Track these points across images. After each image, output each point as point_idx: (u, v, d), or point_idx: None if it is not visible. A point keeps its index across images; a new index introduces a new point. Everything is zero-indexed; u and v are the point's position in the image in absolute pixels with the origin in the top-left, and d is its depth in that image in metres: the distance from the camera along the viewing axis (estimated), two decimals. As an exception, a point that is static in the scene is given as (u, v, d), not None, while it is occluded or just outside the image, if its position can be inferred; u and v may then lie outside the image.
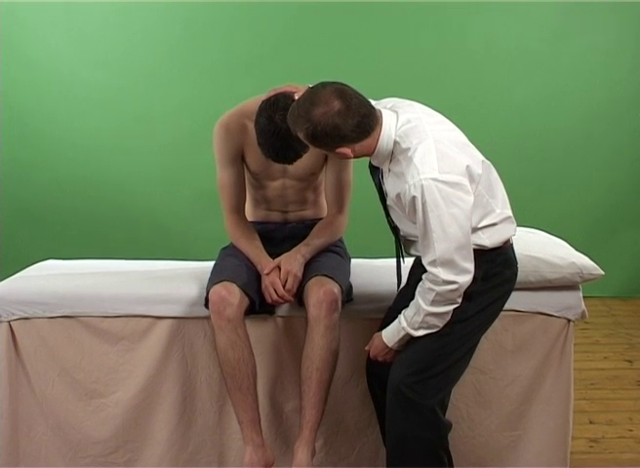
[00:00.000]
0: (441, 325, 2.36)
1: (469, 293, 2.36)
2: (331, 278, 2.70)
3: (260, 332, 2.83)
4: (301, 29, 5.39)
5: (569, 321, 2.83)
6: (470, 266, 2.30)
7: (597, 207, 5.61)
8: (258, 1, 5.28)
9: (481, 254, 2.37)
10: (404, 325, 2.40)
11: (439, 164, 2.24)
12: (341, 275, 2.78)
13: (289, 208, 2.98)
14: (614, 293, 5.57)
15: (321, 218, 2.98)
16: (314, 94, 2.28)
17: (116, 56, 5.42)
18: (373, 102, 2.41)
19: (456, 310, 2.36)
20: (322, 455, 2.90)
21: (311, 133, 2.27)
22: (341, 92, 2.27)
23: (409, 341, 2.44)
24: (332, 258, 2.85)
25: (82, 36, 5.38)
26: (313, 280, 2.70)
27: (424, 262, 2.32)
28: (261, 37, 5.37)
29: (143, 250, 4.94)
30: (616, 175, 5.60)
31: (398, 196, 2.34)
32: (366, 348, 2.58)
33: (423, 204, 2.23)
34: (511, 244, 2.52)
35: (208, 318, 2.73)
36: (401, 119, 2.35)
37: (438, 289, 2.29)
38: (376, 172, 2.46)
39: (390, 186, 2.40)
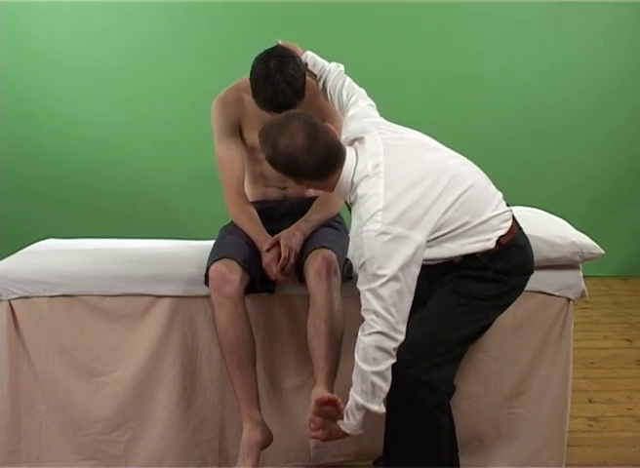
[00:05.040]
0: (386, 388, 2.28)
1: (480, 276, 2.37)
2: (328, 248, 2.70)
3: (260, 311, 2.84)
4: (302, 7, 5.36)
5: (569, 300, 2.84)
6: (403, 327, 2.26)
7: (597, 185, 5.61)
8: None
9: (488, 254, 2.37)
10: (362, 402, 2.28)
11: (383, 215, 2.22)
12: (338, 247, 2.77)
13: (287, 183, 2.97)
14: (614, 273, 5.58)
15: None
16: (285, 122, 2.32)
17: (116, 32, 5.40)
18: (354, 95, 2.48)
19: (467, 289, 2.37)
20: (321, 451, 2.93)
21: (271, 158, 2.32)
22: (311, 127, 2.29)
23: (416, 322, 2.37)
24: (329, 233, 2.85)
25: (82, 13, 5.36)
26: (312, 253, 2.70)
27: (362, 309, 2.29)
28: (261, 15, 5.35)
29: (143, 228, 4.92)
30: (616, 154, 5.59)
31: None
32: (314, 435, 2.40)
33: (361, 255, 2.23)
34: (517, 233, 2.45)
35: (208, 296, 2.73)
36: (359, 164, 2.34)
37: (375, 339, 2.24)
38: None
39: None
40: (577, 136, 5.57)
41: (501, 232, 2.39)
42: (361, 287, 2.28)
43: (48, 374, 2.88)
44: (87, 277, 2.86)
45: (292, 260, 2.71)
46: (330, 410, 2.36)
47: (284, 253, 2.70)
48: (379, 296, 2.23)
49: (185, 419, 2.90)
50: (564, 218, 3.15)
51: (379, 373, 2.27)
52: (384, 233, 2.21)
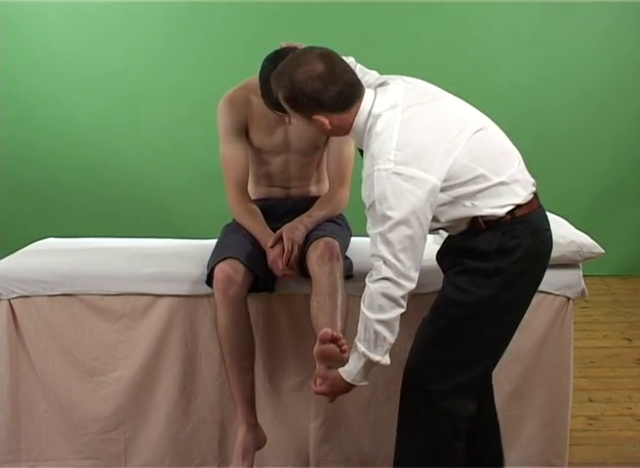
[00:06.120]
0: (392, 339, 2.21)
1: (486, 270, 2.25)
2: (330, 237, 2.70)
3: (259, 311, 2.84)
4: (303, 7, 5.37)
5: (569, 299, 2.83)
6: (414, 274, 2.19)
7: (599, 186, 5.62)
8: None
9: (495, 225, 2.25)
10: (363, 349, 2.22)
11: (396, 154, 2.15)
12: (340, 240, 2.77)
13: (291, 183, 2.98)
14: (613, 272, 5.58)
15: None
16: (300, 55, 2.26)
17: (116, 33, 5.41)
18: (368, 75, 2.42)
19: (467, 290, 2.26)
20: (320, 453, 2.92)
21: (289, 92, 2.23)
22: (328, 56, 2.24)
23: (419, 331, 2.34)
24: (331, 226, 2.85)
25: (82, 14, 5.36)
26: (313, 243, 2.70)
27: (370, 254, 2.23)
28: (263, 14, 5.35)
29: (143, 227, 4.94)
30: (617, 154, 5.60)
31: None
32: (317, 389, 2.36)
33: (369, 195, 2.18)
34: (535, 210, 2.32)
35: (208, 296, 2.73)
36: (377, 100, 2.28)
37: (382, 286, 2.18)
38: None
39: None
40: (579, 138, 5.57)
41: (519, 200, 2.27)
42: (370, 230, 2.21)
43: (48, 374, 2.88)
44: (87, 276, 2.86)
45: (296, 253, 2.70)
46: (332, 350, 2.28)
47: (287, 245, 2.69)
48: (387, 241, 2.15)
49: (185, 418, 2.90)
50: (564, 218, 3.15)
51: (383, 322, 2.19)
52: (397, 173, 2.14)
